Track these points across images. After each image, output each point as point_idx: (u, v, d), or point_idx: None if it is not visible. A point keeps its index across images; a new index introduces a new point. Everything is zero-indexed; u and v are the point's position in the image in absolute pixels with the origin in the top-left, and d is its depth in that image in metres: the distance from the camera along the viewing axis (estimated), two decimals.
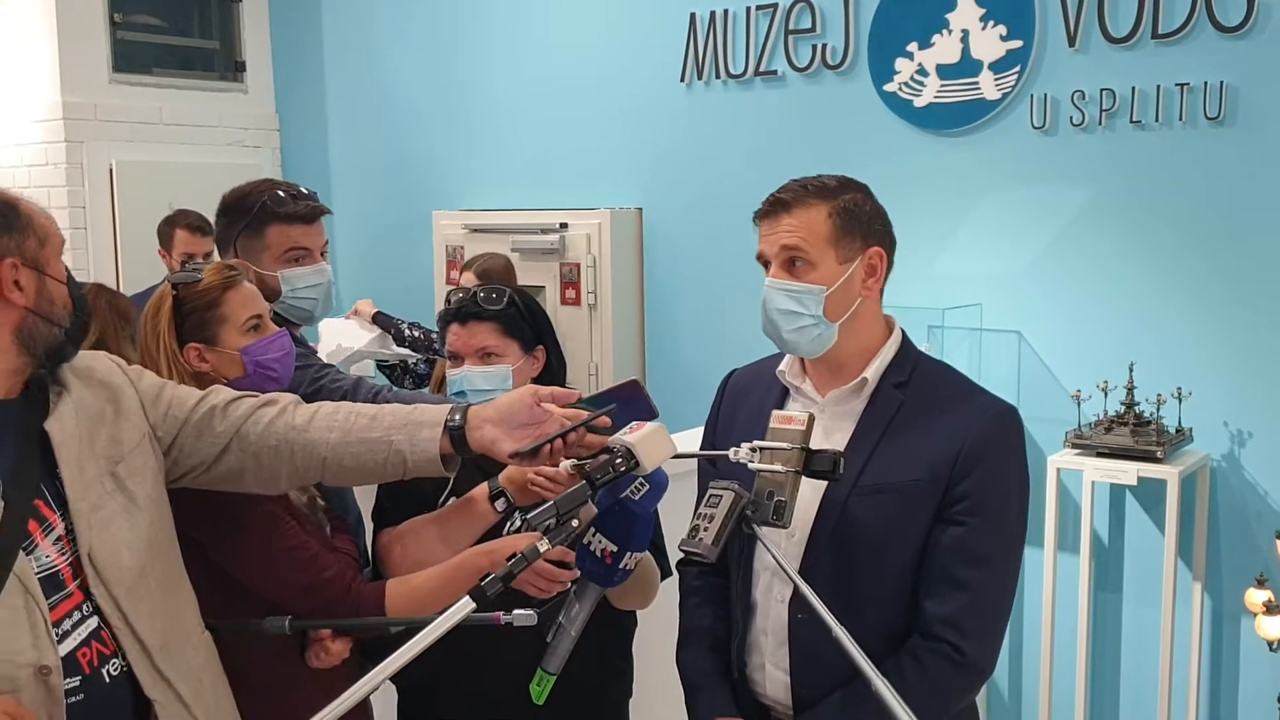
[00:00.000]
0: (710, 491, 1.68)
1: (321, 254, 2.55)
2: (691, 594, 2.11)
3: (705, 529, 1.64)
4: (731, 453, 1.71)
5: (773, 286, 1.88)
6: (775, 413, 1.73)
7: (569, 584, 1.92)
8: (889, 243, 1.95)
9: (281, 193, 2.47)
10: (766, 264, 1.92)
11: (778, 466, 1.67)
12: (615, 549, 1.63)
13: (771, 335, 1.93)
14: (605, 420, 1.78)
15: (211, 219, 2.66)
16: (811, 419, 1.69)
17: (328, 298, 2.55)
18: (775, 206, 1.89)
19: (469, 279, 4.28)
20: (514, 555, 1.53)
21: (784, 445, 1.68)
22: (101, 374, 1.73)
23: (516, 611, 1.80)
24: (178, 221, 4.60)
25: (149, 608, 1.64)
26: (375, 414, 1.79)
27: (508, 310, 2.22)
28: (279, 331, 2.10)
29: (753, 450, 1.69)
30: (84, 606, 1.59)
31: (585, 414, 1.79)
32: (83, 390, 1.68)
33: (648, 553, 2.08)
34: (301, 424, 1.78)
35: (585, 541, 1.67)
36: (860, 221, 1.90)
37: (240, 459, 1.77)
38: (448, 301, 2.26)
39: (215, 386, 1.88)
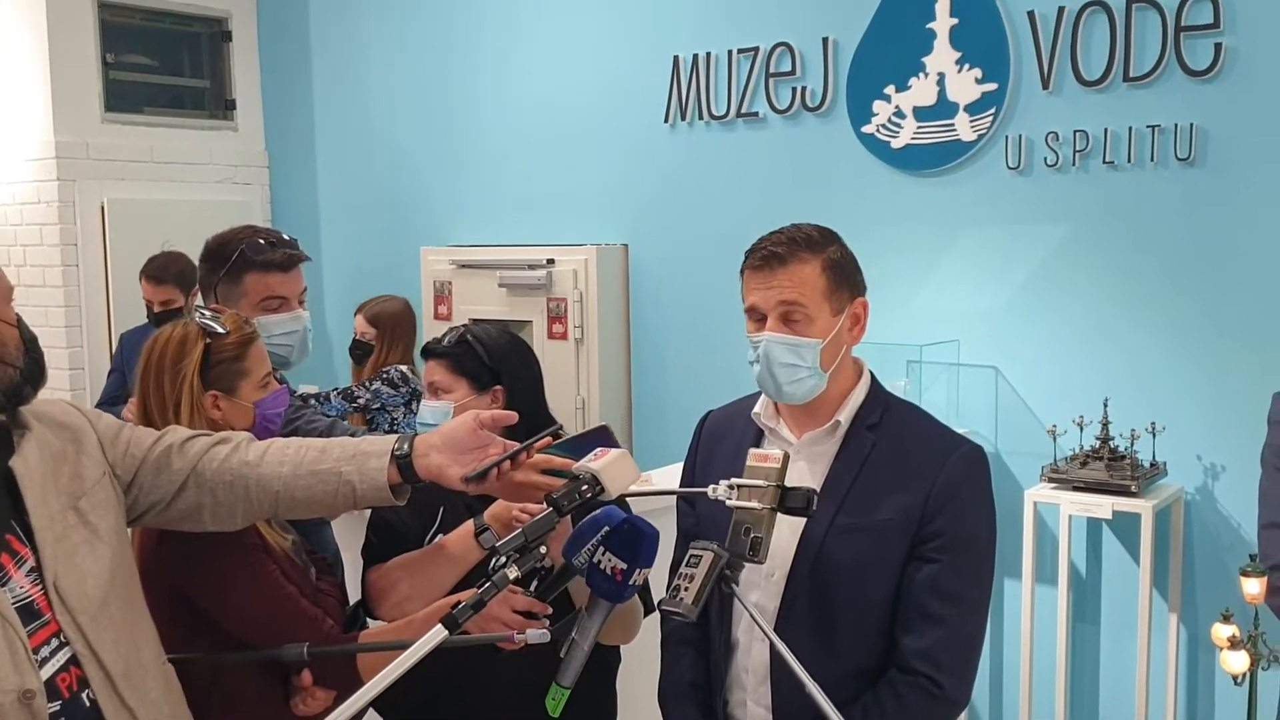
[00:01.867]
0: (691, 552, 1.74)
1: (299, 301, 2.58)
2: (671, 639, 2.15)
3: (686, 588, 1.69)
4: (710, 490, 1.77)
5: (774, 340, 1.93)
6: (752, 450, 1.79)
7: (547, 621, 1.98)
8: (865, 290, 2.02)
9: (261, 240, 2.52)
10: (758, 316, 1.97)
11: (754, 504, 1.72)
12: (625, 566, 1.69)
13: (768, 387, 1.98)
14: (549, 449, 1.85)
15: (201, 256, 2.69)
16: (786, 457, 1.75)
17: (303, 344, 2.59)
18: (769, 260, 1.93)
19: (359, 323, 4.57)
20: (484, 582, 1.58)
21: (760, 483, 1.73)
22: (60, 416, 1.78)
23: (529, 631, 1.86)
24: (145, 268, 4.65)
25: (112, 636, 1.69)
26: (324, 447, 1.85)
27: (456, 349, 2.34)
28: (282, 388, 2.20)
29: (730, 488, 1.75)
30: (60, 635, 1.64)
31: (544, 451, 1.86)
32: (44, 431, 1.73)
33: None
34: (254, 459, 1.84)
35: (595, 560, 1.72)
36: (846, 273, 1.97)
37: (198, 495, 1.83)
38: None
39: (172, 426, 1.93)
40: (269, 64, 6.15)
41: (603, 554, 1.70)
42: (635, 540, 1.70)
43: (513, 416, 1.91)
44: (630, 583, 1.70)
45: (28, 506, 1.65)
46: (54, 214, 5.36)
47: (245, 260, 2.51)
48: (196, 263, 2.70)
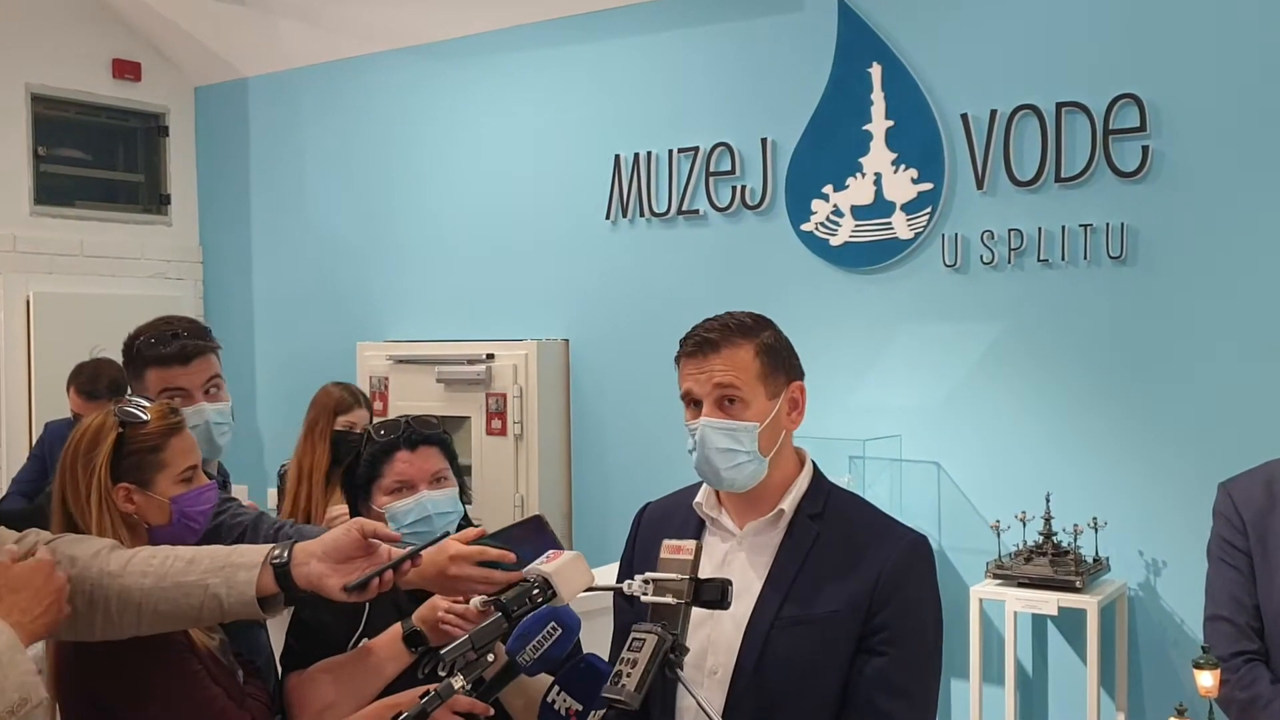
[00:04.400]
0: (633, 635, 1.65)
1: (206, 391, 2.47)
2: None
3: (628, 674, 1.60)
4: (626, 585, 1.69)
5: (709, 426, 1.89)
6: (665, 542, 1.72)
7: None
8: (802, 375, 2.00)
9: (154, 336, 2.41)
10: (693, 403, 1.93)
11: (669, 599, 1.65)
12: (580, 708, 1.60)
13: (707, 474, 1.93)
14: (483, 539, 1.79)
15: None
16: (699, 548, 1.68)
17: (208, 437, 2.45)
18: (702, 346, 1.91)
19: (361, 416, 4.07)
20: (427, 693, 1.49)
21: (673, 576, 1.66)
22: None
23: None
24: (74, 376, 4.46)
25: None
26: (193, 557, 1.75)
27: (444, 435, 2.24)
28: (209, 484, 2.07)
29: (645, 583, 1.68)
30: None
31: (415, 545, 1.79)
32: None
33: None
34: (116, 570, 1.72)
35: (549, 700, 1.63)
36: (781, 358, 1.95)
37: None
38: (379, 432, 2.24)
39: (32, 529, 1.81)
40: (205, 159, 6.10)
41: (558, 694, 1.62)
42: (594, 681, 1.62)
43: (396, 536, 1.82)
44: None
45: None
46: None
47: (143, 357, 2.40)
48: None
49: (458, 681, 1.51)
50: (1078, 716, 3.51)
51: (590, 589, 2.06)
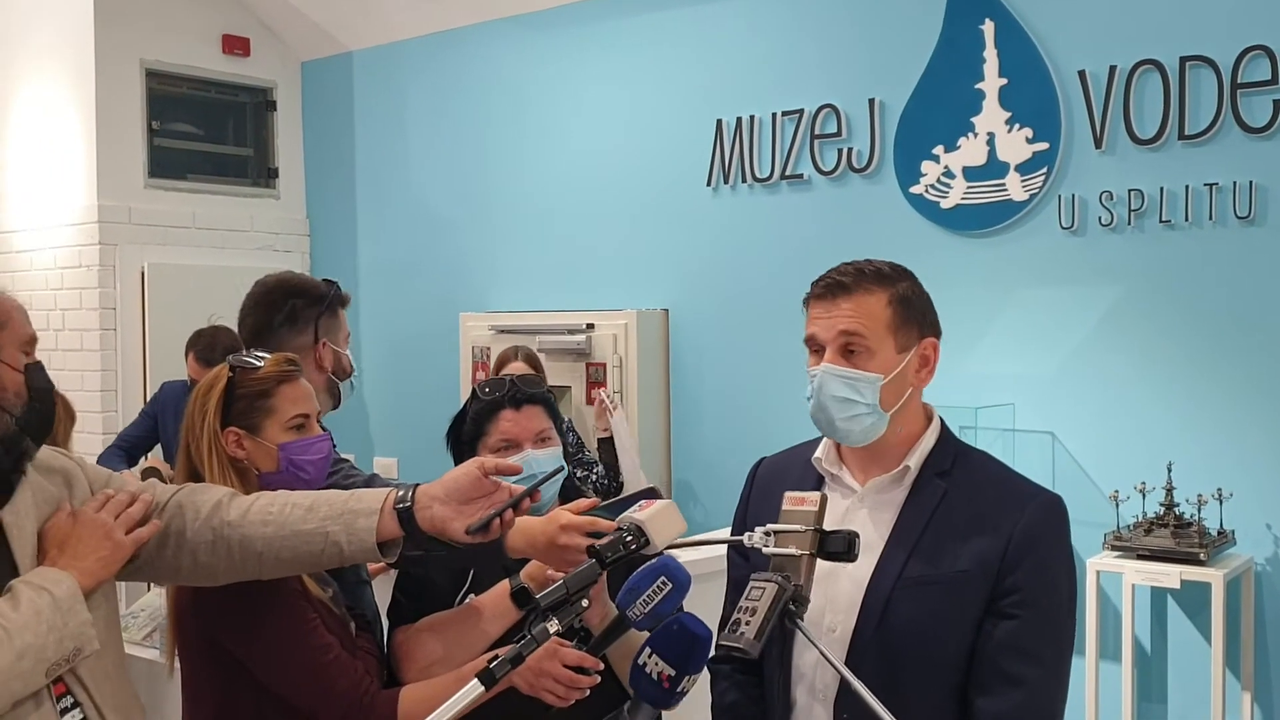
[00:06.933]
0: (752, 584, 1.61)
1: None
2: (725, 713, 2.02)
3: (747, 623, 1.56)
4: (746, 538, 1.65)
5: (829, 372, 1.82)
6: (787, 494, 1.67)
7: (588, 690, 1.86)
8: (939, 333, 1.92)
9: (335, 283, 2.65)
10: (816, 348, 1.86)
11: (792, 550, 1.61)
12: (673, 672, 1.57)
13: (821, 422, 1.87)
14: (595, 510, 1.79)
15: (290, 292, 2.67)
16: (824, 499, 1.64)
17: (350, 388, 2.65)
18: (832, 289, 1.84)
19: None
20: (524, 637, 1.48)
21: (797, 527, 1.62)
22: (49, 460, 1.73)
23: None
24: (193, 343, 4.56)
25: (111, 687, 1.65)
26: (311, 504, 1.76)
27: (548, 394, 2.24)
28: (322, 435, 2.10)
29: (767, 534, 1.64)
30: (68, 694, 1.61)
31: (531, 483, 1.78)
32: (38, 477, 1.68)
33: None
34: (236, 519, 1.75)
35: (640, 663, 1.60)
36: (917, 311, 1.87)
37: (177, 555, 1.75)
38: (484, 390, 2.24)
39: (153, 480, 1.86)
40: (312, 133, 6.19)
41: (649, 656, 1.59)
42: (687, 644, 1.59)
43: (517, 468, 1.81)
44: (679, 690, 1.59)
45: (16, 560, 1.60)
46: (94, 278, 5.37)
47: (338, 299, 2.60)
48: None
49: (552, 625, 1.49)
50: (1200, 696, 3.39)
51: (707, 542, 2.03)
